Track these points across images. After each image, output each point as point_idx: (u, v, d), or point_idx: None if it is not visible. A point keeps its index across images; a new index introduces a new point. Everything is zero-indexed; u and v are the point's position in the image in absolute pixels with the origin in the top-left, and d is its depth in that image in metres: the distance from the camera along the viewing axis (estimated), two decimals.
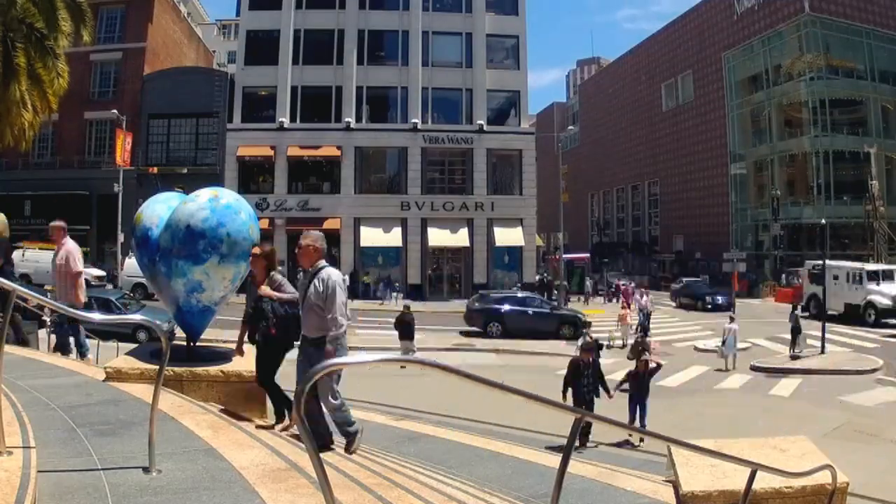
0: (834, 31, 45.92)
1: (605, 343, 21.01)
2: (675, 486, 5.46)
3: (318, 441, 5.37)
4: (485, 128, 38.02)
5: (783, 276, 41.64)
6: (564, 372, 10.70)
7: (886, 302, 27.63)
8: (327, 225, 36.92)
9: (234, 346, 6.96)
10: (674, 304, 39.35)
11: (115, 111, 33.29)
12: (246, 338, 6.65)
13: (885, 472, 9.71)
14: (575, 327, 23.96)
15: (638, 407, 11.00)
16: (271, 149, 36.91)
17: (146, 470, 3.81)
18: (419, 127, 37.64)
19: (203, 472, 3.92)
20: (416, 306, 29.63)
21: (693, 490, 5.15)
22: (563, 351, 23.16)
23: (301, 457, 4.20)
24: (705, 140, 56.59)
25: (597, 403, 10.38)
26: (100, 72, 38.28)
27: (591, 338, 13.05)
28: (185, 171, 35.35)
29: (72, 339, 9.10)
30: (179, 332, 7.41)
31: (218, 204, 6.47)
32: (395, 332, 19.00)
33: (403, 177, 38.20)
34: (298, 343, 5.75)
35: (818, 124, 45.39)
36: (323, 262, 5.60)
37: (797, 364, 19.65)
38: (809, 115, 45.74)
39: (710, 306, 34.87)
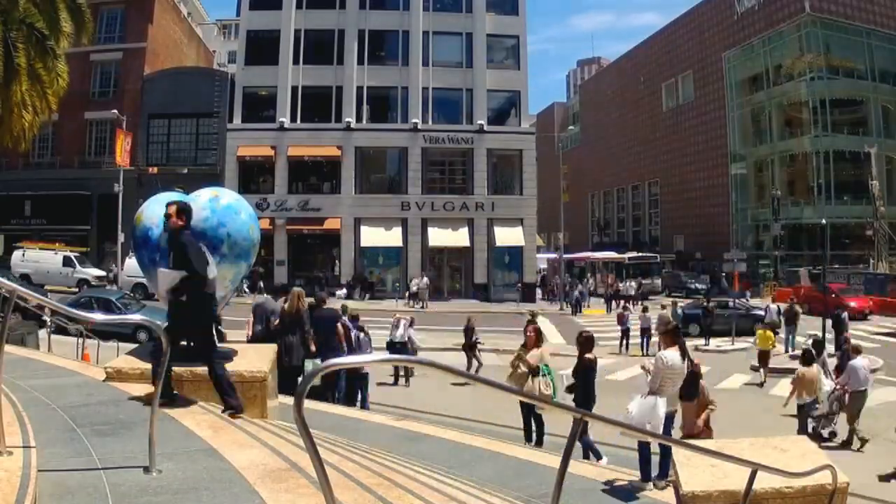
0: (834, 31, 45.90)
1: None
2: (675, 486, 5.46)
3: None
4: (485, 128, 37.96)
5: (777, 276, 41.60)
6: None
7: None
8: (327, 225, 36.97)
9: (233, 346, 6.94)
10: None
11: (115, 111, 33.23)
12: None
13: (885, 473, 9.71)
14: None
15: None
16: (271, 149, 36.89)
17: (146, 470, 3.81)
18: (419, 127, 37.59)
19: (203, 472, 3.91)
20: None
21: (693, 490, 5.15)
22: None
23: (301, 457, 4.19)
24: (705, 140, 56.52)
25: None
26: (100, 72, 38.24)
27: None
28: (185, 171, 35.27)
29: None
30: None
31: (218, 204, 6.48)
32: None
33: (404, 177, 38.16)
34: None
35: (818, 124, 45.34)
36: None
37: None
38: (810, 115, 45.69)
39: None
